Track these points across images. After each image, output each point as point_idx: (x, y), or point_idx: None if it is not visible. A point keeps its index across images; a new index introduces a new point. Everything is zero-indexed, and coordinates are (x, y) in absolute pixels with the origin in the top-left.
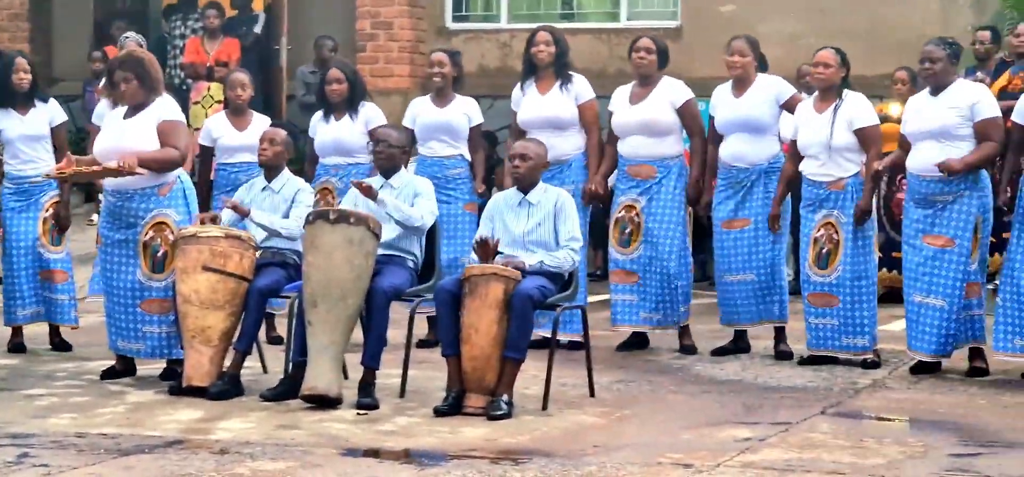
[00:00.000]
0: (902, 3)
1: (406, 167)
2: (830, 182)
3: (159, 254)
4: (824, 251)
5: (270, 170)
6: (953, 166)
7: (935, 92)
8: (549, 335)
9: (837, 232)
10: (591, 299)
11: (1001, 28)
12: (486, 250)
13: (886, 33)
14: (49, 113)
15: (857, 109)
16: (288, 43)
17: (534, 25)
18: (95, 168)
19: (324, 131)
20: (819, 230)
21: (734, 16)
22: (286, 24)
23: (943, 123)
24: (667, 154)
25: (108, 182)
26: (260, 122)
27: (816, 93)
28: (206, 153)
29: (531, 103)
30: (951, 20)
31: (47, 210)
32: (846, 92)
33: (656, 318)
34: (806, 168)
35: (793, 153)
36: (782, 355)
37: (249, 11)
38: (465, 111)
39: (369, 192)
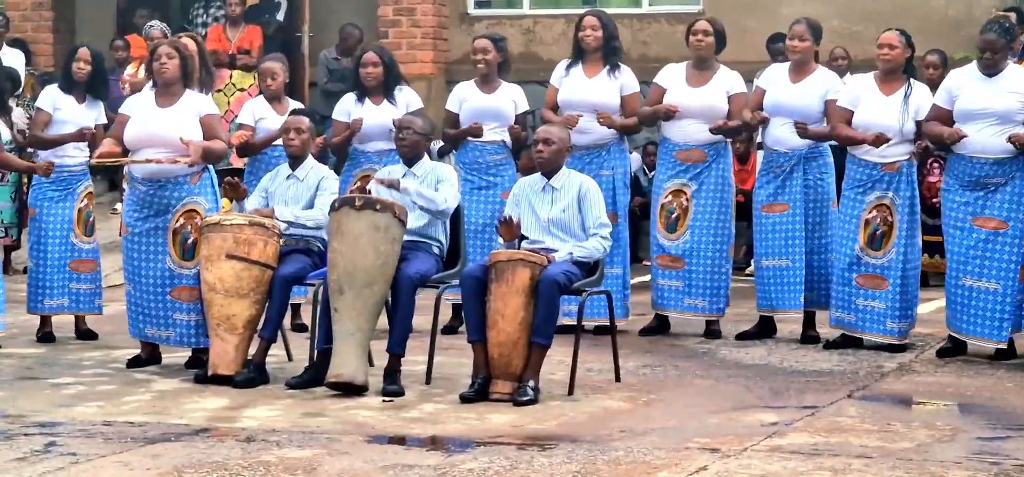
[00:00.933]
0: None
1: (429, 155)
2: (885, 164)
3: (189, 241)
4: (878, 233)
5: (296, 159)
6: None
7: (991, 74)
8: (575, 321)
9: (892, 214)
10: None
11: None
12: (509, 229)
13: (910, 16)
14: (99, 111)
15: (923, 100)
16: (310, 30)
17: (557, 11)
18: (149, 159)
19: (362, 116)
20: (871, 211)
21: (755, 1)
22: (308, 11)
23: (1006, 106)
24: (716, 138)
25: (139, 171)
26: (291, 107)
27: (875, 72)
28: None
29: (576, 84)
30: (976, 1)
31: (81, 200)
32: (914, 81)
33: (701, 305)
34: (858, 148)
35: (846, 119)
36: (808, 339)
37: None
38: (512, 97)
39: (392, 184)
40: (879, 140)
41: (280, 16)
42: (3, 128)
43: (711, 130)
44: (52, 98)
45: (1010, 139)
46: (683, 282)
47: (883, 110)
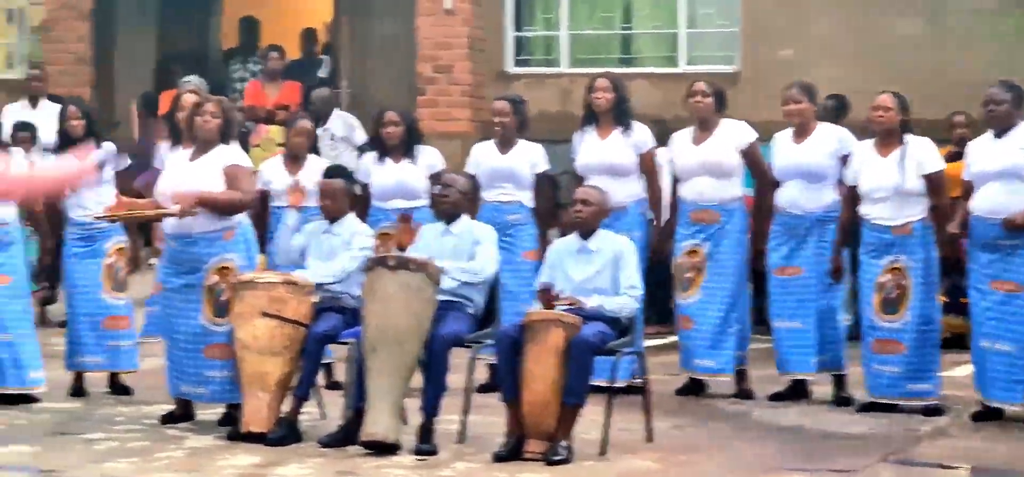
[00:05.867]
0: (964, 48)
1: (471, 216)
2: (896, 226)
3: (222, 298)
4: (891, 296)
5: (334, 220)
6: (1016, 221)
7: (999, 134)
8: (608, 381)
9: (905, 277)
10: (647, 344)
11: None
12: (548, 298)
13: (948, 78)
14: (112, 158)
15: (925, 154)
16: (349, 87)
17: (594, 70)
18: (149, 212)
19: (382, 174)
20: (885, 275)
21: (792, 61)
22: (347, 68)
23: (1012, 163)
24: (729, 197)
25: (169, 227)
26: (314, 164)
27: (874, 138)
28: (262, 198)
29: (590, 148)
30: (1017, 65)
31: (110, 256)
32: (908, 137)
33: (709, 365)
34: (870, 212)
35: (849, 198)
36: (842, 401)
37: (313, 55)
38: (529, 158)
39: (429, 269)
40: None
41: (323, 72)
42: None
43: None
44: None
45: (1004, 223)
46: (693, 342)
47: (885, 173)
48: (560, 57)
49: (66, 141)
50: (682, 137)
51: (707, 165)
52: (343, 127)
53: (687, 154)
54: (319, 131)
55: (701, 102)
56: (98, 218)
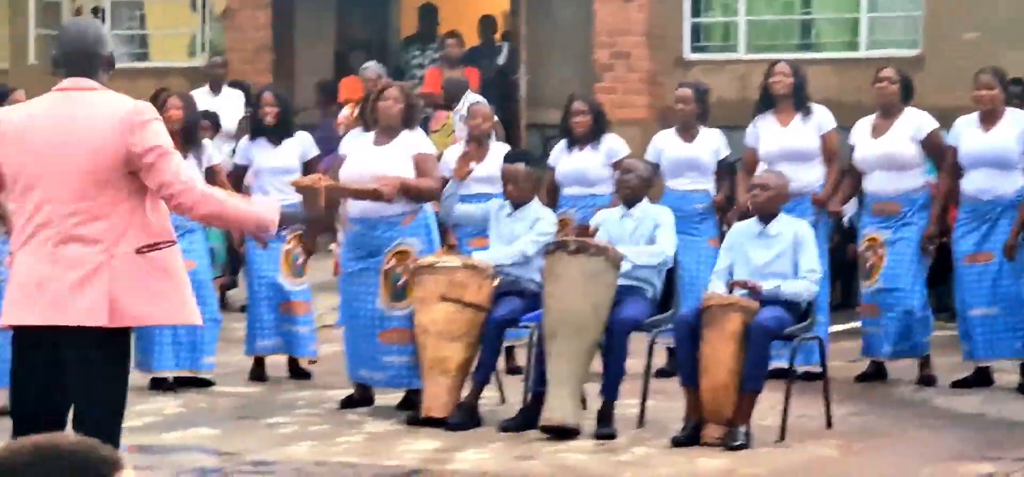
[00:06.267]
0: None
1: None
2: None
3: (399, 283)
4: None
5: (518, 206)
6: None
7: None
8: (786, 366)
9: None
10: (831, 329)
11: None
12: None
13: None
14: (301, 147)
15: None
16: (527, 73)
17: (773, 56)
18: (350, 187)
19: (566, 161)
20: None
21: (977, 44)
22: (525, 55)
23: None
24: (910, 188)
25: (353, 211)
26: (498, 152)
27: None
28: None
29: (771, 135)
30: None
31: (289, 243)
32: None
33: (890, 350)
34: None
35: None
36: None
37: (492, 42)
38: (712, 146)
39: (610, 254)
40: None
41: (501, 60)
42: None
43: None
44: (244, 151)
45: None
46: (880, 329)
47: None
48: (738, 43)
49: (258, 128)
50: (862, 127)
51: (885, 159)
52: None
53: (866, 146)
54: (451, 114)
55: (887, 88)
56: (302, 187)
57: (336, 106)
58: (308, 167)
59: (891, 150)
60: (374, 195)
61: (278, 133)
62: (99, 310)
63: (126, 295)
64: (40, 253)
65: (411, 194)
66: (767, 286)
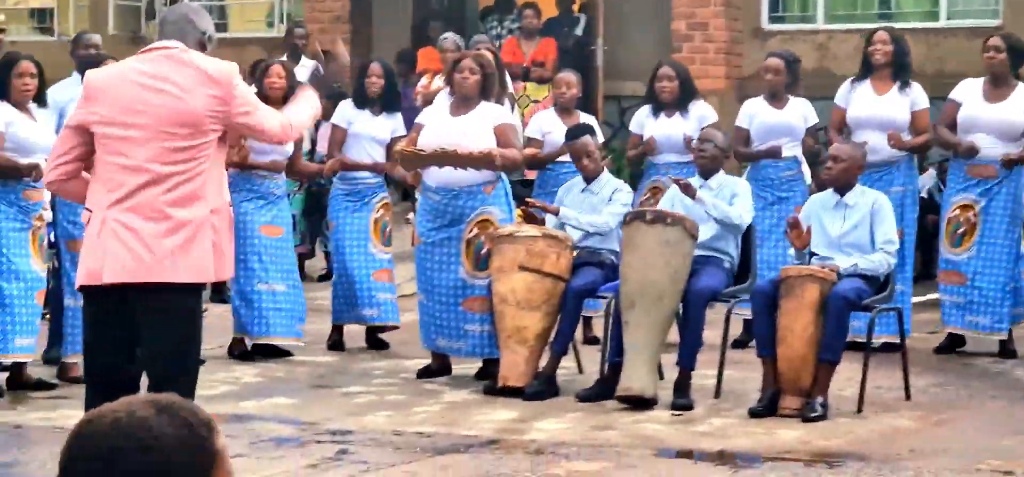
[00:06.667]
0: None
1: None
2: None
3: (482, 252)
4: None
5: (590, 178)
6: None
7: None
8: (864, 338)
9: None
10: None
11: None
12: (800, 235)
13: None
14: (395, 124)
15: None
16: (604, 44)
17: (851, 26)
18: (460, 153)
19: (654, 128)
20: None
21: None
22: (602, 26)
23: None
24: (1010, 154)
25: (433, 180)
26: (585, 121)
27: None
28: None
29: (865, 101)
30: None
31: (377, 210)
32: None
33: (982, 322)
34: None
35: None
36: None
37: (570, 13)
38: (802, 112)
39: (688, 189)
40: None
41: (579, 31)
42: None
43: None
44: (346, 114)
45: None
46: (965, 298)
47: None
48: (816, 13)
49: (362, 97)
50: (971, 88)
51: (998, 125)
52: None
53: (976, 107)
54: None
55: (994, 58)
56: (405, 154)
57: (415, 77)
58: (393, 144)
59: (1006, 118)
60: (483, 160)
61: (381, 104)
62: (205, 267)
63: (219, 252)
64: (135, 211)
65: (508, 166)
66: (844, 264)
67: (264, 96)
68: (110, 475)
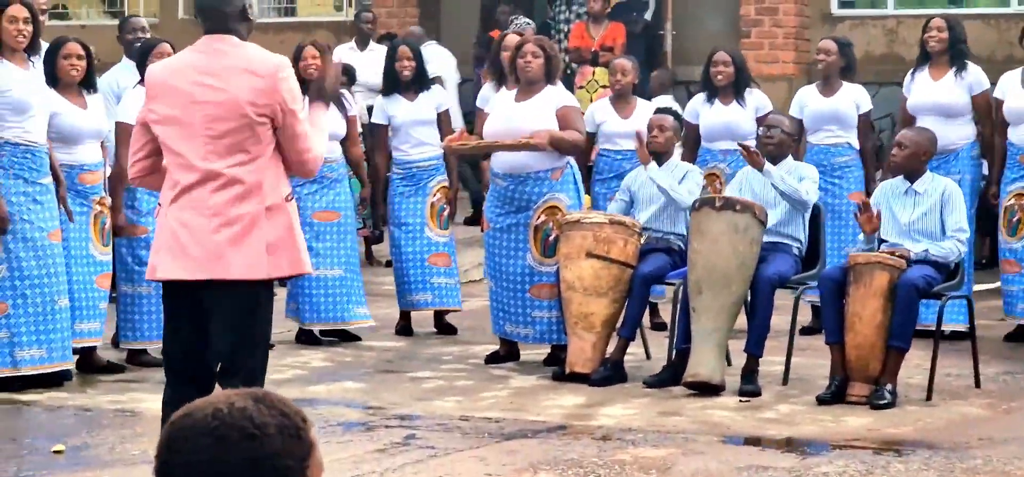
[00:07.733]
0: None
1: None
2: None
3: (550, 238)
4: None
5: (660, 156)
6: None
7: None
8: (934, 325)
9: None
10: (977, 288)
11: None
12: (870, 220)
13: None
14: (436, 99)
15: None
16: (673, 28)
17: (921, 11)
18: (496, 142)
19: (710, 115)
20: None
21: None
22: (671, 10)
23: None
24: None
25: (500, 166)
26: (643, 109)
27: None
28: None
29: (922, 89)
30: None
31: (434, 194)
32: None
33: None
34: None
35: None
36: None
37: None
38: (854, 99)
39: (752, 155)
40: None
41: (648, 15)
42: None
43: None
44: (381, 109)
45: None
46: (1022, 288)
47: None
48: None
49: (393, 83)
50: (1012, 79)
51: None
52: None
53: (1020, 97)
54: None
55: None
56: (453, 148)
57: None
58: (442, 119)
59: None
60: (526, 146)
61: (414, 86)
62: (259, 263)
63: (279, 246)
64: (190, 208)
65: (560, 146)
66: (915, 250)
67: (301, 79)
68: (216, 463)
